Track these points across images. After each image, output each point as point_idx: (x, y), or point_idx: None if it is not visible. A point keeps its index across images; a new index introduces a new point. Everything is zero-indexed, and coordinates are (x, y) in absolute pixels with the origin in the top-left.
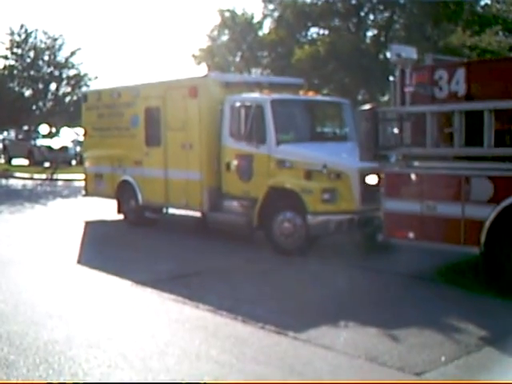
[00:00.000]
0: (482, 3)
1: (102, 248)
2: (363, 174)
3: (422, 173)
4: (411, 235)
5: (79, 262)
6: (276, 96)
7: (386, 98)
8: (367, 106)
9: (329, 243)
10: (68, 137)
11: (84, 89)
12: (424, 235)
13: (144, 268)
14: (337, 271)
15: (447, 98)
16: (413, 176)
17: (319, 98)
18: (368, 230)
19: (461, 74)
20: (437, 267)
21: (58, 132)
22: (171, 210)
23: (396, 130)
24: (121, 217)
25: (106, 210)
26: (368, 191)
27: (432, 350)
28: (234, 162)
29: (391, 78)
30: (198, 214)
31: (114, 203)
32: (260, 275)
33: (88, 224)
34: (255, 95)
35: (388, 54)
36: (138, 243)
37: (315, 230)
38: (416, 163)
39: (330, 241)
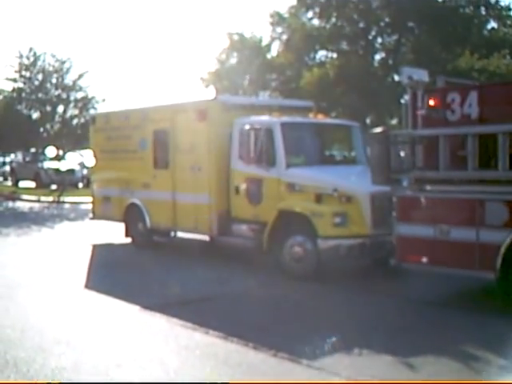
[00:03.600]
0: (489, 27)
1: (109, 272)
2: (375, 198)
3: (435, 196)
4: (424, 260)
5: (87, 286)
6: (286, 119)
7: (394, 122)
8: (379, 129)
9: (340, 268)
10: (75, 159)
11: (91, 111)
12: (437, 260)
13: (152, 292)
14: (349, 297)
15: (460, 121)
16: (426, 200)
17: (329, 120)
18: (380, 255)
19: (474, 96)
20: (450, 292)
21: (65, 154)
22: (179, 234)
23: (407, 153)
24: (128, 240)
25: (114, 233)
26: (380, 215)
27: (451, 379)
28: (243, 186)
29: (403, 101)
30: (206, 238)
31: (121, 226)
32: (271, 301)
33: (95, 247)
34: (264, 118)
35: (396, 77)
36: (146, 267)
37: (326, 254)
38: (429, 187)
39: (342, 266)
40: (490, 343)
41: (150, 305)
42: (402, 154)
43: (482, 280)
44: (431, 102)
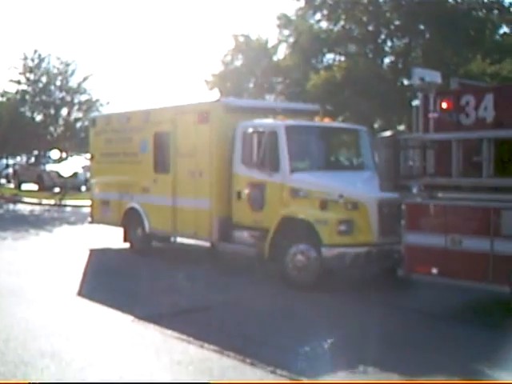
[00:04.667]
0: (501, 32)
1: (104, 279)
2: (382, 205)
3: (446, 204)
4: (434, 271)
5: (80, 293)
6: (291, 122)
7: (402, 127)
8: (388, 133)
9: (345, 278)
10: (78, 162)
11: (93, 113)
12: (448, 271)
13: (148, 301)
14: (354, 308)
15: (474, 125)
16: (437, 207)
17: (335, 124)
18: (387, 265)
19: (489, 99)
20: (460, 305)
21: (68, 157)
22: (179, 240)
23: (418, 159)
24: (127, 245)
25: (113, 237)
26: (387, 223)
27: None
28: (246, 191)
29: (414, 103)
30: (206, 245)
31: (120, 231)
32: (271, 311)
33: (92, 252)
34: (269, 121)
35: (406, 81)
36: (144, 274)
37: (330, 263)
38: (440, 194)
39: (346, 275)
40: (507, 360)
41: (143, 315)
42: (411, 162)
43: (495, 293)
44: (444, 105)
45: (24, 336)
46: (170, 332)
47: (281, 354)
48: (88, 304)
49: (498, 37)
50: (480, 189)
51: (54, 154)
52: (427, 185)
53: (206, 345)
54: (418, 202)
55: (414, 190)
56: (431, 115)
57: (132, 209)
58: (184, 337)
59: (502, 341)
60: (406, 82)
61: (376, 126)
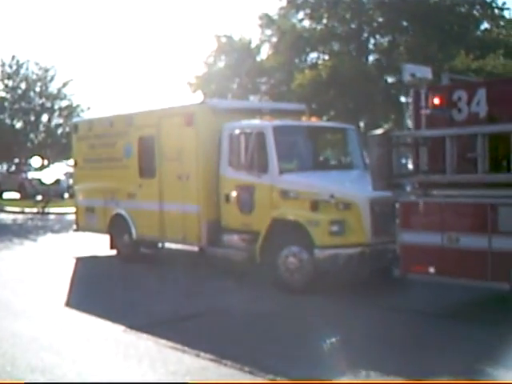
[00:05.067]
0: (482, 28)
1: (92, 288)
2: (374, 204)
3: (441, 202)
4: (431, 270)
5: (68, 304)
6: (278, 122)
7: (389, 125)
8: (380, 131)
9: (338, 279)
10: (60, 169)
11: (74, 119)
12: (446, 270)
13: (138, 310)
14: (349, 311)
15: (467, 121)
16: (432, 205)
17: (323, 123)
18: (381, 265)
19: (482, 94)
20: (458, 303)
21: (49, 164)
22: (167, 245)
23: (411, 156)
24: (114, 252)
25: (99, 245)
26: (380, 222)
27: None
28: (234, 193)
29: (404, 100)
30: (195, 249)
31: (106, 238)
32: (265, 317)
33: (79, 261)
34: (256, 122)
35: (390, 79)
36: (132, 282)
37: (323, 265)
38: (435, 191)
39: (340, 277)
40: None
41: (135, 324)
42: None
43: (492, 291)
44: (436, 101)
45: (12, 351)
46: (163, 341)
47: (279, 361)
48: (77, 315)
49: (479, 33)
50: (475, 185)
51: (36, 161)
52: (421, 182)
53: (201, 354)
54: (412, 201)
55: (408, 188)
56: (423, 112)
57: (118, 215)
58: (178, 346)
59: (502, 338)
60: (390, 80)
61: (362, 124)
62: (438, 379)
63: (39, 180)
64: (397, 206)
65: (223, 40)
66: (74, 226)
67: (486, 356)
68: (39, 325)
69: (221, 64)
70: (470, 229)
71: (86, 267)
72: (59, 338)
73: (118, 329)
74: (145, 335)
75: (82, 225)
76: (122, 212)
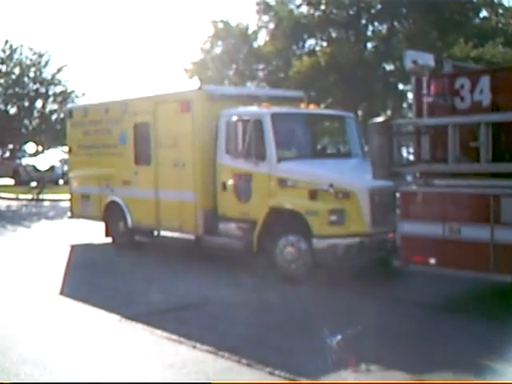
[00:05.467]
0: (481, 16)
1: (87, 276)
2: (374, 194)
3: (443, 192)
4: (432, 261)
5: (62, 292)
6: (276, 109)
7: (387, 113)
8: (380, 119)
9: (337, 269)
10: (55, 155)
11: (69, 105)
12: (447, 261)
13: (134, 299)
14: (348, 302)
15: (470, 109)
16: (433, 195)
17: (322, 111)
18: (380, 255)
19: (485, 81)
20: (458, 295)
21: (44, 150)
22: (163, 233)
23: (412, 145)
24: (109, 240)
25: (94, 232)
26: (379, 212)
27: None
28: (231, 182)
29: (404, 87)
30: (192, 238)
31: (101, 226)
32: (263, 307)
33: (73, 248)
34: (253, 109)
35: (388, 67)
36: (128, 270)
37: (322, 254)
38: (436, 181)
39: (339, 267)
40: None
41: (131, 314)
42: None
43: (494, 282)
44: (438, 89)
45: (4, 341)
46: (159, 332)
47: (277, 353)
48: (71, 303)
49: (478, 21)
50: (478, 175)
51: (30, 147)
52: (423, 172)
53: (198, 345)
54: (413, 190)
55: (409, 178)
56: (425, 99)
57: (113, 202)
58: (175, 337)
59: (502, 332)
60: (388, 68)
61: (360, 112)
62: (438, 373)
63: (34, 166)
64: (397, 195)
65: (220, 26)
66: (69, 213)
67: (486, 349)
68: (32, 314)
69: (217, 50)
70: (471, 219)
71: (80, 255)
72: (52, 327)
73: (114, 318)
74: (140, 325)
75: (77, 212)
76: (117, 199)
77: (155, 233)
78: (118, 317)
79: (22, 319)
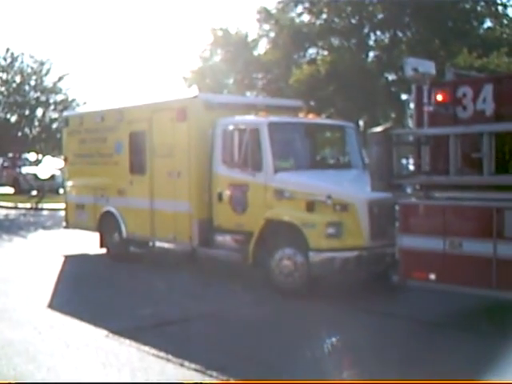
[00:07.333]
0: (485, 26)
1: (78, 288)
2: (373, 206)
3: (444, 204)
4: (432, 277)
5: (50, 305)
6: (274, 119)
7: (389, 123)
8: (379, 128)
9: (334, 283)
10: (55, 164)
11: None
12: (448, 277)
13: (124, 313)
14: (344, 317)
15: (472, 118)
16: (434, 208)
17: (321, 120)
18: (378, 269)
19: (488, 90)
20: (457, 311)
21: (44, 159)
22: (158, 244)
23: (412, 156)
24: (103, 251)
25: (89, 243)
26: (378, 225)
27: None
28: (227, 192)
29: (404, 97)
30: (187, 249)
31: (96, 236)
32: (257, 322)
33: (67, 259)
34: (250, 118)
35: (390, 76)
36: (120, 282)
37: (318, 268)
38: (437, 193)
39: (336, 281)
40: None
41: (119, 329)
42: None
43: (495, 300)
44: (439, 97)
45: None
46: (147, 348)
47: (269, 372)
48: (58, 317)
49: (482, 31)
50: (480, 187)
51: (32, 156)
52: (423, 184)
53: (186, 363)
54: (413, 203)
55: (409, 190)
56: (425, 109)
57: (108, 212)
58: (162, 354)
59: (500, 350)
60: (391, 77)
61: (361, 122)
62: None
63: (34, 175)
64: (397, 208)
65: (219, 33)
66: (64, 223)
67: (482, 367)
68: (17, 328)
69: (216, 58)
70: (473, 234)
71: (73, 266)
72: (36, 342)
73: (101, 333)
74: (127, 341)
75: (72, 222)
76: (112, 209)
77: (150, 244)
78: (105, 332)
79: (5, 332)
